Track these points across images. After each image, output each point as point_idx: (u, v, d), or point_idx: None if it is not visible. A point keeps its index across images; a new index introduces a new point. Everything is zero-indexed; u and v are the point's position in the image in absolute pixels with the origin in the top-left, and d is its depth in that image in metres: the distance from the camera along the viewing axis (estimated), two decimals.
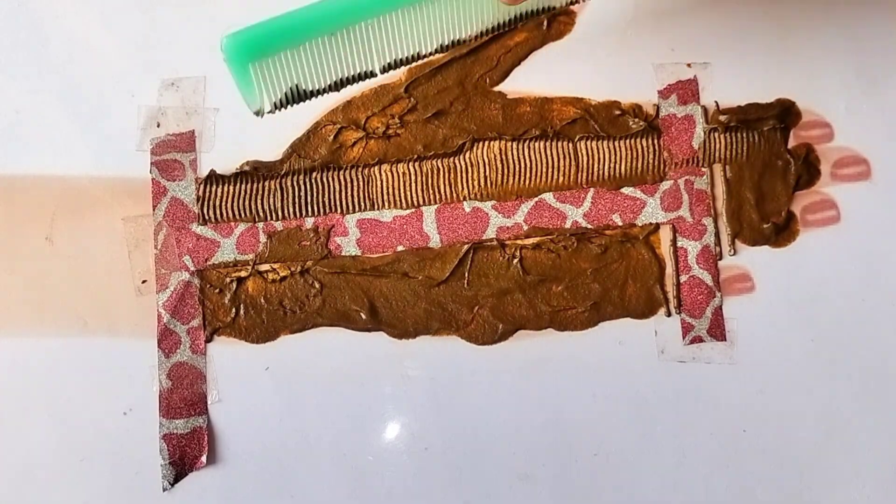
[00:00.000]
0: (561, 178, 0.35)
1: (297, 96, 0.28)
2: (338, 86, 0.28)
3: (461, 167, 0.35)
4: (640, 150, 0.36)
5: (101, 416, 0.33)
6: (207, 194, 0.34)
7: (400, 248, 0.35)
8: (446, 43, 0.29)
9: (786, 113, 0.36)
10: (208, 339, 0.34)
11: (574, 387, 0.34)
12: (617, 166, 0.35)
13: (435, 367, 0.34)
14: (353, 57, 0.28)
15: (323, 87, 0.28)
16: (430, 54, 0.29)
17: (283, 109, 0.28)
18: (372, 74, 0.29)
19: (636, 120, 0.35)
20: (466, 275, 0.35)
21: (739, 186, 0.36)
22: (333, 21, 0.27)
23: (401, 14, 0.27)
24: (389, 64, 0.29)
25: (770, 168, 0.36)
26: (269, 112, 0.28)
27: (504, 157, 0.35)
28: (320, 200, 0.35)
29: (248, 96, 0.27)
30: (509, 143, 0.35)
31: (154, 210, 0.34)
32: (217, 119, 0.35)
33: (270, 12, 0.36)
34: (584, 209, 0.35)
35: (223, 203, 0.34)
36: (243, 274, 0.34)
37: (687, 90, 0.36)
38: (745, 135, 0.36)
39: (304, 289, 0.34)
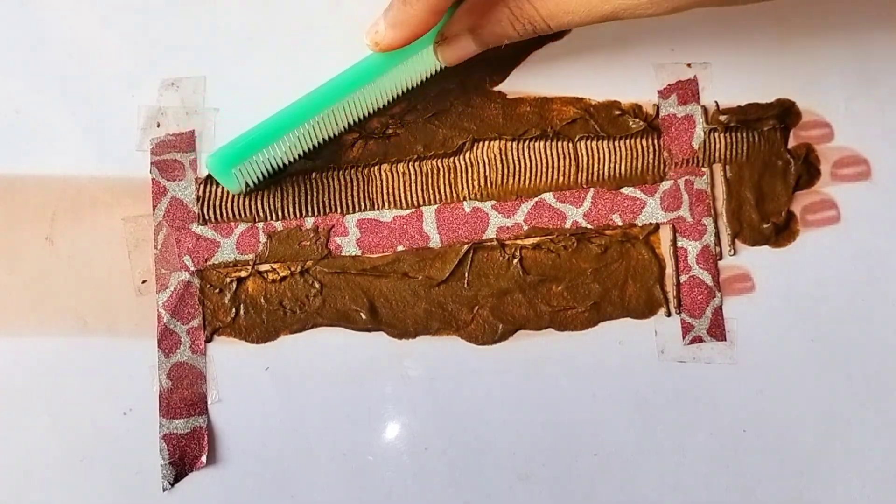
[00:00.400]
0: (561, 178, 0.35)
1: (274, 171, 0.34)
2: (308, 154, 0.34)
3: (461, 167, 0.35)
4: (640, 150, 0.35)
5: (101, 416, 0.33)
6: (207, 194, 0.34)
7: (400, 248, 0.35)
8: (398, 95, 0.34)
9: (786, 113, 0.36)
10: (208, 339, 0.34)
11: (574, 387, 0.34)
12: (617, 166, 0.35)
13: (435, 367, 0.34)
14: (318, 134, 0.33)
15: (295, 159, 0.34)
16: (385, 106, 0.34)
17: (262, 181, 0.34)
18: (337, 137, 0.34)
19: (636, 120, 0.35)
20: (466, 275, 0.35)
21: (739, 186, 0.36)
22: (297, 120, 0.32)
23: (354, 96, 0.32)
24: (351, 126, 0.34)
25: (770, 168, 0.36)
26: (248, 188, 0.34)
27: (504, 157, 0.35)
28: (320, 200, 0.35)
29: (232, 187, 0.33)
30: (509, 143, 0.35)
31: (154, 210, 0.34)
32: (217, 119, 0.35)
33: (269, 10, 0.36)
34: (584, 209, 0.35)
35: (223, 203, 0.34)
36: (243, 274, 0.34)
37: (687, 90, 0.36)
38: (745, 135, 0.36)
39: (304, 289, 0.34)
